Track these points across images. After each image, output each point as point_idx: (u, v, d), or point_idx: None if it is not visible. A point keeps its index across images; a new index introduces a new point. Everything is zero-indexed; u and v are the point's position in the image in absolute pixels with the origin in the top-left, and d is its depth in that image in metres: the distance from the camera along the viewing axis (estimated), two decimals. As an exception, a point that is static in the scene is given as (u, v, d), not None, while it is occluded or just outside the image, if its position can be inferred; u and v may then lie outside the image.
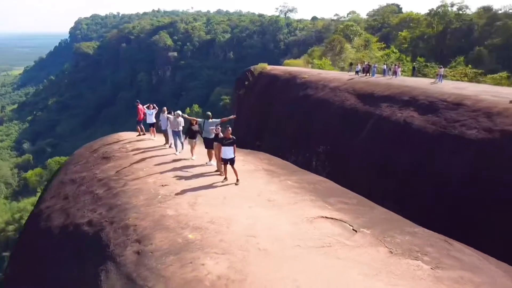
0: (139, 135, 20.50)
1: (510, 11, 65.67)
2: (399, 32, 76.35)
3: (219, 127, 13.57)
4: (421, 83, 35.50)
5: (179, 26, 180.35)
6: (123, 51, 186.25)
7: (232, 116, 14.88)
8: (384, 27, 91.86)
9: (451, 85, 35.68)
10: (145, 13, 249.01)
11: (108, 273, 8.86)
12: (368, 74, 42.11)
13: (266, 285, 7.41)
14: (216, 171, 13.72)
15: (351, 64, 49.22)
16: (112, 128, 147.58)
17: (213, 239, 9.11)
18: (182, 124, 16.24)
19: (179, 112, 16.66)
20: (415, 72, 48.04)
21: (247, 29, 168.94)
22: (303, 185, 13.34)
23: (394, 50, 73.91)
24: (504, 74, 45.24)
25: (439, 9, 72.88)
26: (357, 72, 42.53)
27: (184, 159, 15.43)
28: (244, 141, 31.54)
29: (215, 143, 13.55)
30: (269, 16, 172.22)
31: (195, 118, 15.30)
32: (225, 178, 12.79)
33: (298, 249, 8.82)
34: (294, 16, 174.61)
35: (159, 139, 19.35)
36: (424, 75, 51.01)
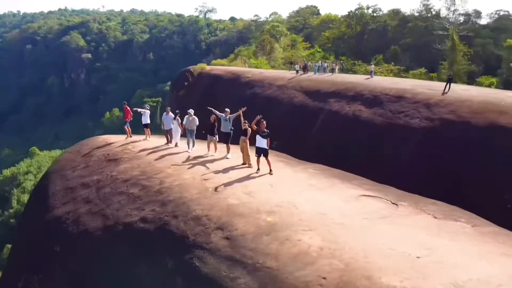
0: (128, 136, 20.48)
1: (417, 14, 73.66)
2: (323, 33, 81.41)
3: (246, 121, 14.59)
4: (360, 80, 38.85)
5: (92, 26, 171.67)
6: (28, 53, 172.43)
7: (243, 109, 15.91)
8: (306, 28, 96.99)
9: (389, 81, 39.69)
10: (50, 12, 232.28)
11: (203, 259, 9.56)
12: (306, 72, 44.90)
13: (364, 250, 8.79)
14: (243, 163, 14.67)
15: (291, 63, 51.90)
16: (21, 138, 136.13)
17: (291, 219, 10.25)
18: (197, 123, 16.87)
19: (191, 111, 17.28)
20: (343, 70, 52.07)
21: (166, 29, 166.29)
22: (322, 172, 14.88)
23: (318, 50, 78.76)
24: (423, 70, 51.15)
25: (357, 11, 79.19)
26: (297, 71, 44.88)
27: (202, 156, 16.12)
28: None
29: (242, 137, 14.51)
30: (188, 16, 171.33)
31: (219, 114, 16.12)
32: (258, 169, 13.84)
33: (366, 221, 10.33)
34: (213, 16, 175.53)
35: (154, 140, 19.61)
36: (354, 72, 55.45)
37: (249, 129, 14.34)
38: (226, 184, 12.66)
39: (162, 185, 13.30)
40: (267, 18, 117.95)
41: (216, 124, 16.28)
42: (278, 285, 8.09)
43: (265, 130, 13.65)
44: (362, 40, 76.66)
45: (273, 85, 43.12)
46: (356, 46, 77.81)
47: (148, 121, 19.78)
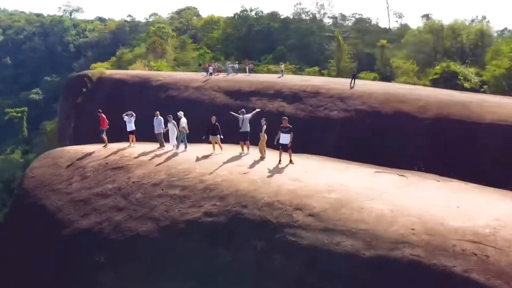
0: (105, 145, 20.36)
1: (296, 17, 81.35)
2: (211, 34, 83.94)
3: (264, 120, 16.48)
4: (274, 79, 42.28)
5: None
6: None
7: (258, 110, 17.87)
8: (190, 29, 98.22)
9: (300, 78, 44.18)
10: None
11: (297, 235, 11.42)
12: (218, 73, 46.85)
13: (421, 207, 11.70)
14: (261, 157, 16.49)
15: (199, 64, 53.33)
16: None
17: (350, 194, 12.70)
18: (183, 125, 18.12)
19: (181, 113, 18.43)
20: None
21: (25, 30, 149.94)
22: (325, 159, 17.57)
23: (207, 51, 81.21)
24: (316, 68, 57.52)
25: (241, 14, 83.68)
26: (210, 74, 46.04)
27: (210, 155, 17.40)
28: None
29: (260, 134, 16.37)
30: (50, 16, 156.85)
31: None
32: (280, 161, 15.86)
33: (401, 189, 13.34)
34: (79, 16, 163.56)
35: (140, 146, 19.94)
36: (256, 72, 59.29)
37: (265, 126, 16.29)
38: (268, 176, 14.47)
39: (205, 183, 14.44)
40: (147, 19, 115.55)
41: (218, 124, 17.73)
42: (380, 240, 10.50)
43: (288, 125, 15.76)
44: (249, 41, 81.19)
45: (189, 87, 44.15)
46: (243, 46, 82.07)
47: (133, 128, 19.99)
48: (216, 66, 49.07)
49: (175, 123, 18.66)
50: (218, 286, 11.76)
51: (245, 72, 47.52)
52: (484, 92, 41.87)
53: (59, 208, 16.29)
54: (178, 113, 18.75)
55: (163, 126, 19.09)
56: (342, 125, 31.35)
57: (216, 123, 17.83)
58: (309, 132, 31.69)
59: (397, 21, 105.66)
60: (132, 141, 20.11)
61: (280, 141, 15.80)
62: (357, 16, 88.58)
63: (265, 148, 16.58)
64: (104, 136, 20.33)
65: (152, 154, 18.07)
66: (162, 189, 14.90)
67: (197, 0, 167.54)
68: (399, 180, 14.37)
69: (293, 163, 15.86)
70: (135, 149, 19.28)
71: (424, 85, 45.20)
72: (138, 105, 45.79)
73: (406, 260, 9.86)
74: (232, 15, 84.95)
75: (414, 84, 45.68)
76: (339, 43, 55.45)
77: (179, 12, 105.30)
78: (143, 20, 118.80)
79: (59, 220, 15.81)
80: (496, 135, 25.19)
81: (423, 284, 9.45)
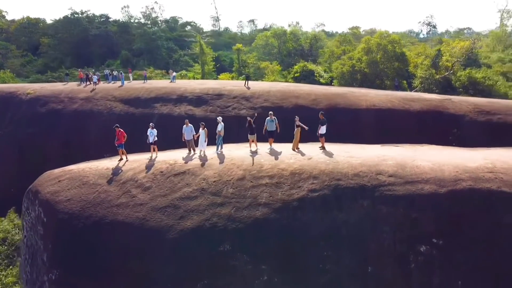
0: (121, 159, 20.84)
1: (142, 21, 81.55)
2: (42, 39, 76.24)
3: (297, 117, 20.57)
4: (170, 84, 43.86)
5: None
6: None
7: (271, 112, 21.54)
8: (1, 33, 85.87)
9: (195, 82, 47.44)
10: None
11: (391, 190, 16.56)
12: (90, 82, 44.39)
13: (444, 160, 18.36)
14: (293, 149, 20.53)
15: (67, 74, 49.50)
16: None
17: (398, 159, 18.44)
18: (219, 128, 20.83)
19: (220, 118, 20.88)
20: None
21: None
22: (339, 144, 22.61)
23: (33, 57, 74.13)
24: (183, 72, 60.61)
25: (71, 16, 78.64)
26: (95, 82, 44.10)
27: (256, 151, 20.42)
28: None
29: (297, 129, 20.40)
30: None
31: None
32: (323, 146, 20.39)
33: (417, 152, 19.81)
34: None
35: (163, 154, 21.21)
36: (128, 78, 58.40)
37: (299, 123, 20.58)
38: (328, 158, 18.91)
39: (288, 170, 17.93)
40: None
41: (254, 125, 20.91)
42: (445, 181, 16.61)
43: (323, 118, 20.37)
44: (86, 45, 77.23)
45: (76, 99, 42.17)
46: (77, 52, 77.46)
47: (156, 139, 21.00)
48: (86, 73, 46.91)
49: (207, 130, 20.78)
50: (344, 241, 15.94)
51: (119, 80, 46.20)
52: (333, 85, 53.50)
53: (144, 218, 17.04)
54: (217, 118, 21.03)
55: (194, 133, 20.89)
56: (254, 121, 36.74)
57: (252, 124, 20.85)
58: (225, 130, 35.96)
59: (214, 25, 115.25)
60: (154, 150, 21.07)
61: (320, 131, 20.38)
62: (183, 21, 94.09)
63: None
64: (123, 150, 20.69)
65: (198, 159, 19.95)
66: (251, 182, 17.68)
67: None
68: (403, 149, 20.95)
69: (324, 148, 20.59)
70: (174, 156, 20.54)
71: (288, 82, 54.33)
72: (10, 123, 41.15)
73: (465, 189, 16.30)
74: (62, 18, 78.75)
75: (279, 81, 54.33)
76: (202, 47, 59.77)
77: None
78: None
79: (152, 227, 16.73)
80: (370, 116, 34.86)
81: (480, 198, 16.05)
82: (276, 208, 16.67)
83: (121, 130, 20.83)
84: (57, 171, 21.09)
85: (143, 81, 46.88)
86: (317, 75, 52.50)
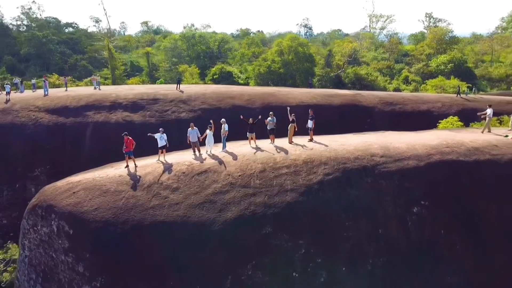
0: (127, 166, 21.28)
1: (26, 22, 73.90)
2: None
3: (293, 114, 23.33)
4: (95, 91, 42.74)
5: None
6: None
7: (271, 113, 23.73)
8: None
9: (126, 87, 46.79)
10: None
11: (387, 168, 20.59)
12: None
13: (417, 142, 23.14)
14: (289, 142, 23.36)
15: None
16: None
17: (380, 143, 22.60)
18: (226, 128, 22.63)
19: (224, 120, 22.52)
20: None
21: None
22: (323, 136, 26.00)
23: None
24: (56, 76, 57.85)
25: None
26: (7, 92, 40.68)
27: (259, 148, 22.57)
28: None
29: (291, 125, 23.16)
30: None
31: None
32: (312, 139, 23.51)
33: (390, 136, 24.31)
34: None
35: (171, 156, 22.16)
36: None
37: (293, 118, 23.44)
38: (326, 147, 22.17)
39: (296, 162, 20.70)
40: None
41: (255, 123, 22.98)
42: (421, 156, 21.27)
43: (312, 114, 23.52)
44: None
45: (-10, 111, 38.67)
46: None
47: (164, 143, 21.73)
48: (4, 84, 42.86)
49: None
50: (359, 211, 19.49)
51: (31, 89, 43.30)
52: (249, 85, 57.13)
53: (184, 215, 18.22)
54: (221, 121, 22.57)
55: (199, 135, 22.14)
56: (195, 123, 38.35)
57: (254, 123, 22.84)
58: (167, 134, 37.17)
59: (95, 25, 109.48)
60: (162, 153, 21.82)
61: (309, 126, 23.51)
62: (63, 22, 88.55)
63: (293, 137, 23.66)
64: (132, 157, 21.06)
65: (210, 158, 21.41)
66: (273, 172, 20.04)
67: None
68: (370, 136, 25.35)
69: (312, 140, 23.82)
70: (182, 158, 21.57)
71: (207, 84, 56.24)
72: None
73: (436, 161, 21.18)
74: None
75: (198, 83, 55.91)
76: (111, 51, 57.85)
77: None
78: None
79: (196, 222, 18.07)
80: (300, 111, 39.70)
81: (446, 167, 21.08)
82: (302, 192, 19.40)
83: (130, 137, 21.12)
84: (60, 183, 20.45)
85: (64, 89, 44.41)
86: (236, 76, 55.52)
